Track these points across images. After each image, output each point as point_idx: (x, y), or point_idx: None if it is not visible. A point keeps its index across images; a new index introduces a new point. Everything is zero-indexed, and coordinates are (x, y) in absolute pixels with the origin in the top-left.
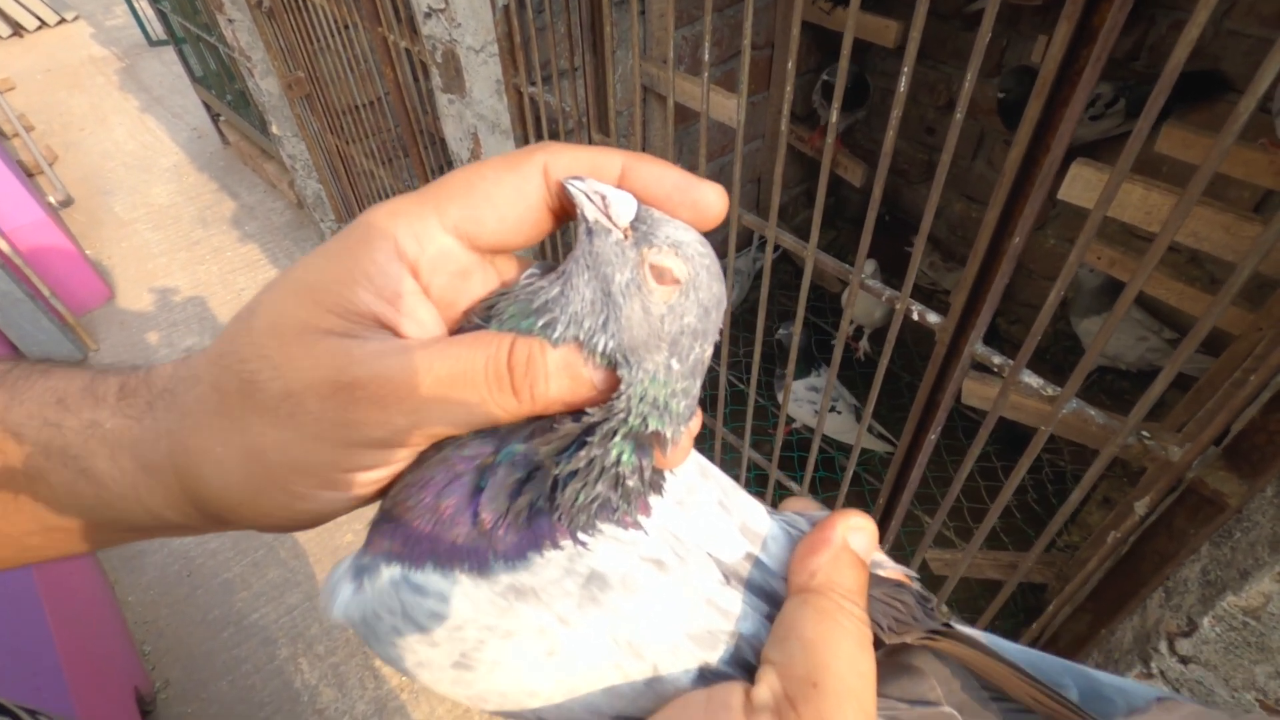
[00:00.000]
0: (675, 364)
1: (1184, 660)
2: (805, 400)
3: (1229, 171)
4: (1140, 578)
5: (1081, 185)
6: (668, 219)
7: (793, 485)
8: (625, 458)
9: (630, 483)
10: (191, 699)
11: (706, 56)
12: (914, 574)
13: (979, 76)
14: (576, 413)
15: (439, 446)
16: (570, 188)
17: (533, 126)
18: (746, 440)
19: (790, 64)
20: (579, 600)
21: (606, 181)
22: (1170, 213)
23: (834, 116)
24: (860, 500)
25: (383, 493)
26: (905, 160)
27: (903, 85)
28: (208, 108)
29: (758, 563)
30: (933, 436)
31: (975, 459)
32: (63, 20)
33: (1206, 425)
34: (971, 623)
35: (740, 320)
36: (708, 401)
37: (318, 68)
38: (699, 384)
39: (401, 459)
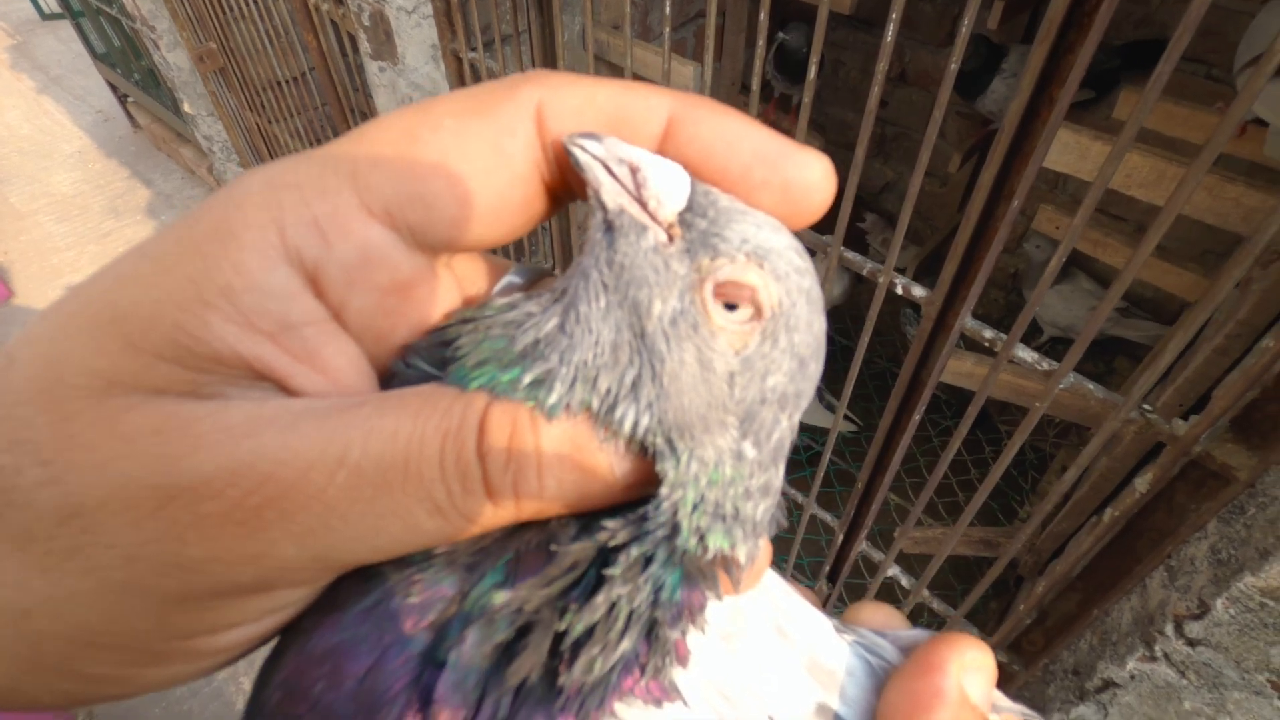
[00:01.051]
0: (749, 449)
1: (1192, 643)
2: None
3: (1187, 136)
4: (1136, 554)
5: (1060, 149)
6: (742, 209)
7: None
8: (667, 595)
9: (671, 631)
10: None
11: (668, 10)
12: (1036, 715)
13: (932, 48)
14: (585, 515)
15: (362, 575)
16: (576, 152)
17: None
18: None
19: (763, 15)
20: None
21: (640, 142)
22: (1172, 193)
23: (811, 73)
24: (828, 481)
25: (265, 642)
26: (856, 133)
27: (889, 35)
28: (113, 88)
29: None
30: (917, 417)
31: (935, 435)
32: None
33: (1188, 394)
34: (947, 600)
35: None
36: None
37: (231, 38)
38: (782, 469)
39: (289, 604)
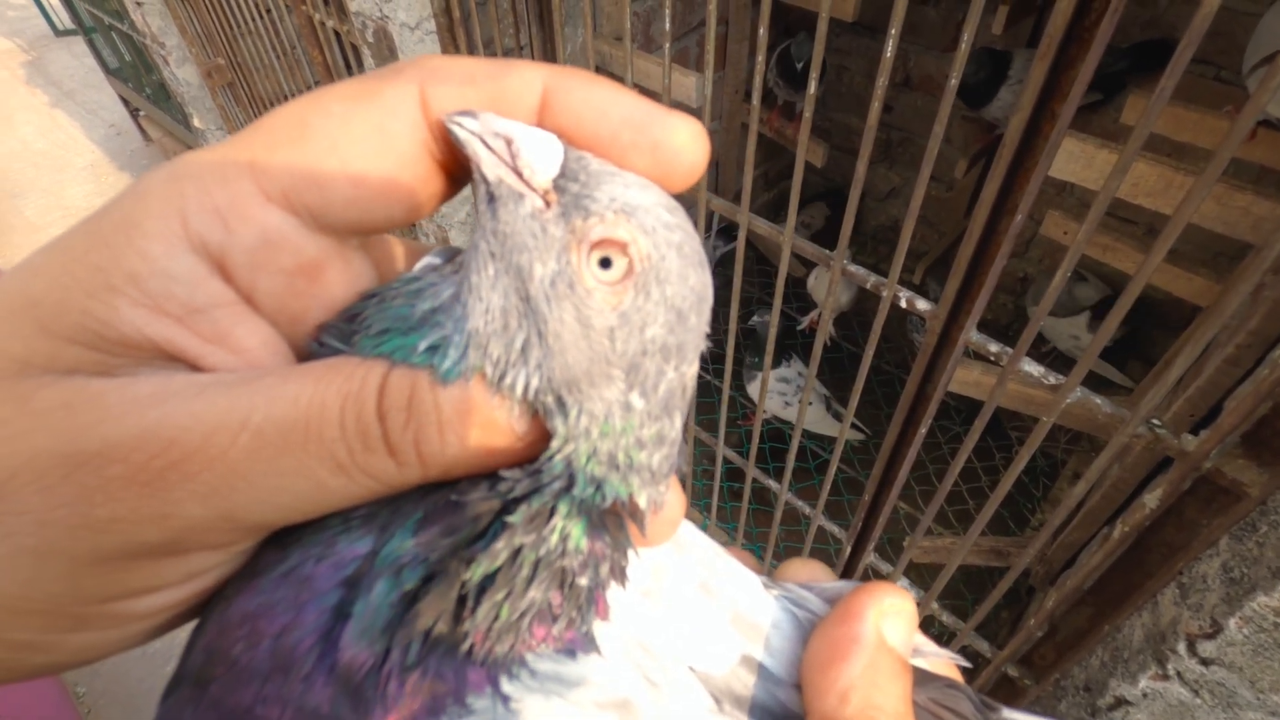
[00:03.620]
0: (637, 399)
1: (1205, 662)
2: (775, 391)
3: (1196, 140)
4: (1146, 569)
5: (1065, 158)
6: (613, 171)
7: (770, 483)
8: (574, 544)
9: (583, 580)
10: None
11: (668, 27)
12: (961, 660)
13: (936, 53)
14: (493, 475)
15: (283, 543)
16: (455, 129)
17: None
18: (721, 436)
19: (763, 30)
20: None
21: (519, 115)
22: (1182, 200)
23: (811, 87)
24: (835, 490)
25: (194, 613)
26: (860, 139)
27: (889, 51)
28: (125, 102)
29: (760, 670)
30: (923, 430)
31: (944, 441)
32: None
33: (1199, 404)
34: (957, 611)
35: None
36: None
37: (239, 53)
38: (679, 421)
39: (208, 569)
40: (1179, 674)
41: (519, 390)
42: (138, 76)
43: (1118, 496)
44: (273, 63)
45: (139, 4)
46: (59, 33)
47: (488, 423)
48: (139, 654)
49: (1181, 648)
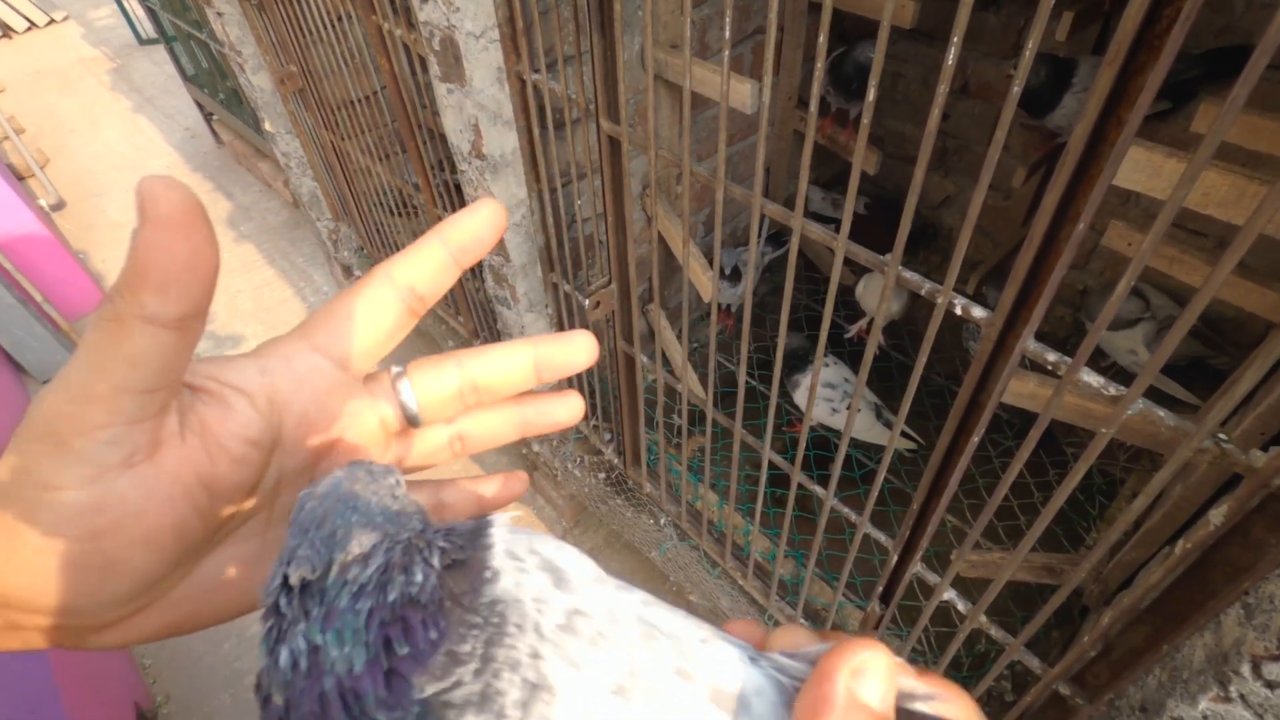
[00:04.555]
0: None
1: (1271, 685)
2: (822, 398)
3: (1274, 150)
4: (1209, 588)
5: (1131, 167)
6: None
7: (816, 489)
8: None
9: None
10: (193, 712)
11: (727, 34)
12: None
13: (996, 60)
14: None
15: None
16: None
17: (536, 116)
18: (767, 443)
19: (822, 38)
20: None
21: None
22: (1254, 212)
23: (870, 95)
24: (881, 500)
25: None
26: (915, 147)
27: (950, 59)
28: (200, 107)
29: None
30: (975, 439)
31: (995, 455)
32: (52, 21)
33: (1270, 421)
34: (1007, 627)
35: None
36: (719, 399)
37: (311, 61)
38: None
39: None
40: (1242, 696)
41: None
42: (213, 83)
43: (1180, 517)
44: (340, 68)
45: (219, 14)
46: (143, 42)
47: None
48: (201, 633)
49: (1245, 669)
